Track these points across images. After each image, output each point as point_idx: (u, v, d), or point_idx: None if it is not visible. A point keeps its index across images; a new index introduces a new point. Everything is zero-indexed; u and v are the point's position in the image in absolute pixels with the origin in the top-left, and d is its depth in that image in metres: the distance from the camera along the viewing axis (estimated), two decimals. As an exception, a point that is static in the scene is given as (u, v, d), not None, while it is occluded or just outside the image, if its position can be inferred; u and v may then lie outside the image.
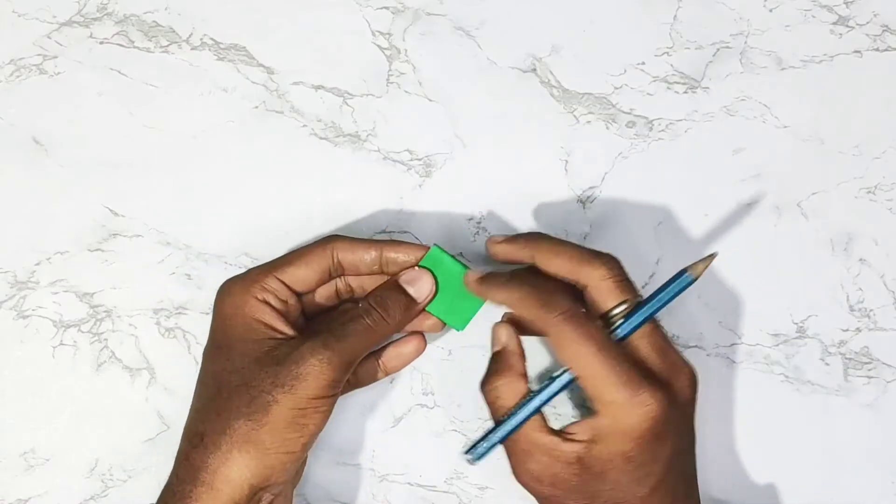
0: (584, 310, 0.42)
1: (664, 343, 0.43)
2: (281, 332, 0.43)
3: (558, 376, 0.43)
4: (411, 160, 0.51)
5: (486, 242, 0.46)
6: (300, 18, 0.51)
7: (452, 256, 0.46)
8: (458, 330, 0.46)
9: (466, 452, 0.44)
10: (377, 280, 0.46)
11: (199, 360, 0.50)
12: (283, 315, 0.43)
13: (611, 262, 0.43)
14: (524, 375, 0.44)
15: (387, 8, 0.51)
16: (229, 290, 0.44)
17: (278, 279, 0.44)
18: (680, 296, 0.49)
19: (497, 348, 0.45)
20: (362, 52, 0.51)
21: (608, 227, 0.51)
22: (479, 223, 0.51)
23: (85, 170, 0.51)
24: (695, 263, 0.43)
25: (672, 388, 0.41)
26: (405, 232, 0.51)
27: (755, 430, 0.51)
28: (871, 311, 0.51)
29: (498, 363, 0.45)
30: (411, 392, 0.51)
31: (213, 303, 0.45)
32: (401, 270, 0.45)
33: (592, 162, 0.51)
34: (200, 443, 0.41)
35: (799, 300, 0.51)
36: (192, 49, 0.51)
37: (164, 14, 0.51)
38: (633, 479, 0.41)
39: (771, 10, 0.52)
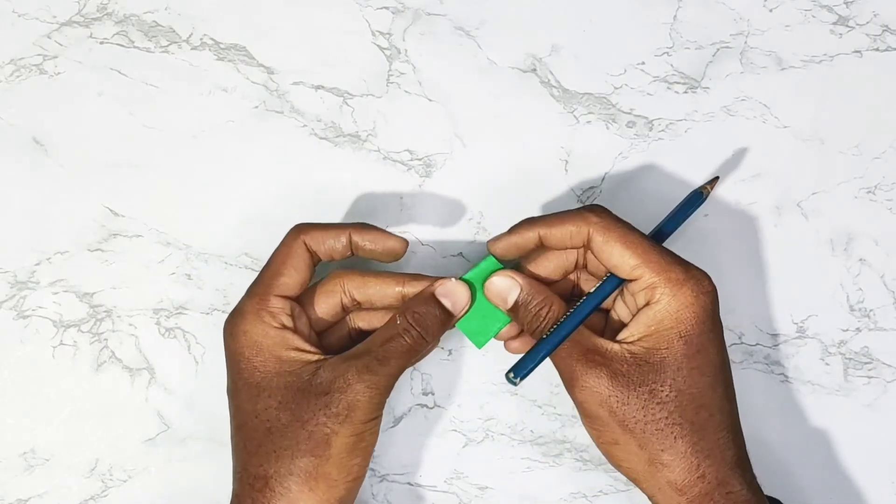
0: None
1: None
2: (310, 352, 0.42)
3: (596, 290, 0.43)
4: (411, 160, 0.51)
5: (487, 245, 0.45)
6: (300, 18, 0.51)
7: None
8: (477, 347, 0.45)
9: (509, 373, 0.42)
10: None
11: (199, 359, 0.50)
12: (301, 333, 0.43)
13: (600, 208, 0.43)
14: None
15: (387, 8, 0.51)
16: (241, 330, 0.42)
17: (278, 296, 0.43)
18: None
19: (516, 294, 0.43)
20: (362, 52, 0.51)
21: (608, 227, 0.51)
22: (479, 223, 0.51)
23: (85, 170, 0.51)
24: (704, 185, 0.46)
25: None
26: (405, 232, 0.51)
27: (755, 431, 0.51)
28: (871, 311, 0.51)
29: (533, 301, 0.43)
30: (411, 392, 0.51)
31: (224, 341, 0.43)
32: (371, 256, 0.44)
33: (592, 162, 0.51)
34: (266, 486, 0.40)
35: (799, 300, 0.51)
36: (192, 49, 0.51)
37: (164, 14, 0.51)
38: (694, 365, 0.40)
39: (771, 10, 0.52)
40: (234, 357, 0.42)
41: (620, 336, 0.42)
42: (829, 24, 0.52)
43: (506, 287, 0.43)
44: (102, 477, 0.50)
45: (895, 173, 0.51)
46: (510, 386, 0.48)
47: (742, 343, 0.51)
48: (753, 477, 0.42)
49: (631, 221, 0.50)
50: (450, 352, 0.51)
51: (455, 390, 0.51)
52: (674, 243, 0.51)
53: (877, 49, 0.52)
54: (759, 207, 0.51)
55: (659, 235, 0.45)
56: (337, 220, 0.51)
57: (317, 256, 0.44)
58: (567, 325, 0.42)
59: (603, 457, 0.44)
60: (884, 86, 0.52)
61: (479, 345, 0.45)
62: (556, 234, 0.43)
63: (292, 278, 0.43)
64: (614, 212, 0.50)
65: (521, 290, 0.43)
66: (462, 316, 0.44)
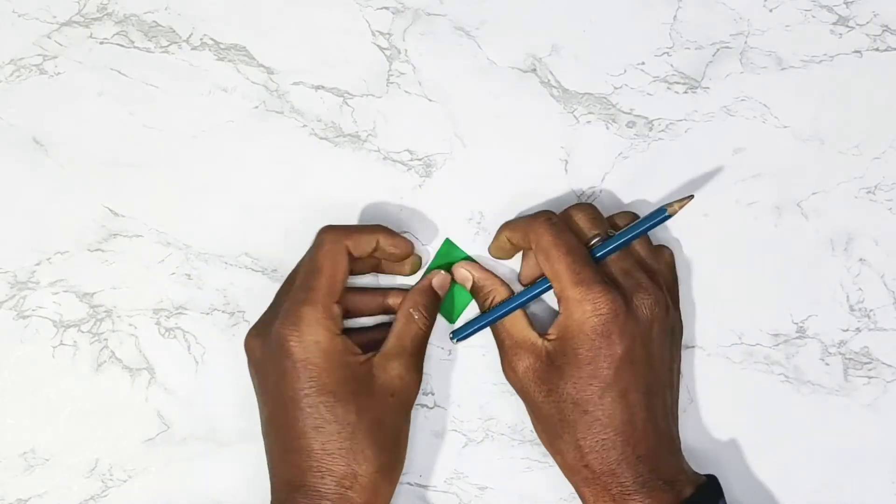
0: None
1: (632, 267, 0.47)
2: (358, 354, 0.45)
3: (534, 286, 0.48)
4: (411, 160, 0.51)
5: (489, 251, 0.50)
6: (300, 18, 0.51)
7: (459, 249, 0.50)
8: (450, 322, 0.50)
9: (451, 333, 0.50)
10: None
11: (199, 359, 0.50)
12: (347, 335, 0.46)
13: (583, 205, 0.48)
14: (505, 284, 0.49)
15: (387, 8, 0.51)
16: (311, 340, 0.44)
17: (336, 303, 0.45)
18: (679, 296, 0.49)
19: (470, 282, 0.49)
20: (362, 52, 0.51)
21: (608, 227, 0.51)
22: (479, 223, 0.51)
23: (85, 170, 0.51)
24: (672, 203, 0.47)
25: (630, 299, 0.45)
26: (405, 232, 0.51)
27: (755, 430, 0.51)
28: (871, 311, 0.51)
29: (485, 283, 0.49)
30: (411, 392, 0.51)
31: (278, 347, 0.44)
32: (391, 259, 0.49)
33: (592, 162, 0.51)
34: (355, 483, 0.43)
35: (799, 300, 0.51)
36: (192, 49, 0.51)
37: (164, 14, 0.51)
38: (585, 375, 0.44)
39: (771, 10, 0.52)
40: (302, 367, 0.44)
41: (549, 331, 0.46)
42: (829, 24, 0.52)
43: (463, 276, 0.50)
44: (102, 477, 0.50)
45: (895, 173, 0.51)
46: (510, 386, 0.49)
47: (742, 343, 0.51)
48: (652, 473, 0.44)
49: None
50: (450, 352, 0.51)
51: (455, 390, 0.51)
52: (674, 243, 0.51)
53: (877, 49, 0.52)
54: (759, 207, 0.51)
55: (607, 245, 0.46)
56: (337, 219, 0.51)
57: (352, 258, 0.46)
58: (505, 305, 0.48)
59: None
60: (884, 86, 0.52)
61: (452, 321, 0.50)
62: (515, 238, 0.48)
63: (342, 283, 0.45)
64: (614, 211, 0.51)
65: (473, 277, 0.49)
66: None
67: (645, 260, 0.47)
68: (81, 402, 0.50)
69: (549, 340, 0.46)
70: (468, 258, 0.50)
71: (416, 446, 0.50)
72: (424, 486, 0.50)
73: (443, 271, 0.49)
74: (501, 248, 0.49)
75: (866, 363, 0.51)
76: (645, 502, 0.43)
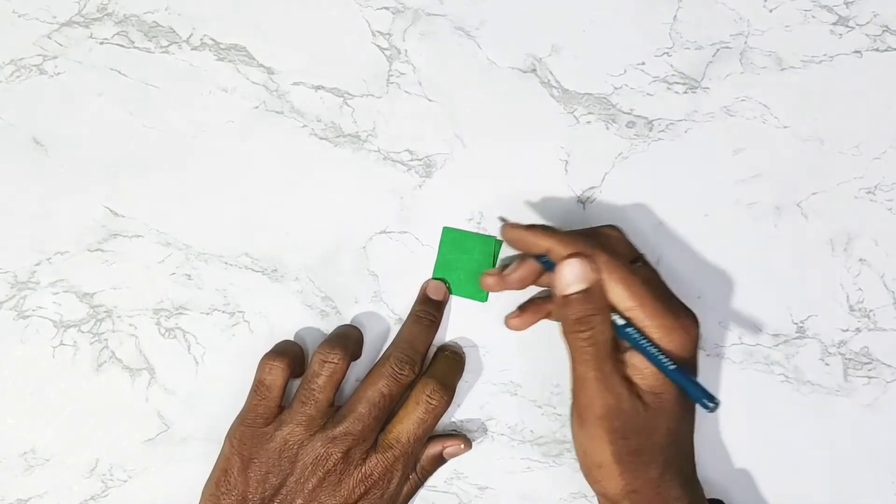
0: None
1: (674, 294, 0.46)
2: None
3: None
4: (411, 160, 0.51)
5: (503, 227, 0.47)
6: (300, 18, 0.51)
7: (465, 232, 0.50)
8: (482, 302, 0.50)
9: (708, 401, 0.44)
10: None
11: (199, 360, 0.50)
12: None
13: (613, 231, 0.47)
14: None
15: (387, 8, 0.51)
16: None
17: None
18: (680, 296, 0.50)
19: (585, 285, 0.43)
20: (362, 52, 0.51)
21: (608, 227, 0.51)
22: (479, 223, 0.51)
23: (85, 170, 0.51)
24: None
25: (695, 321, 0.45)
26: (405, 232, 0.51)
27: (755, 431, 0.51)
28: (871, 311, 0.51)
29: (594, 300, 0.43)
30: (411, 392, 0.51)
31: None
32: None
33: (592, 162, 0.51)
34: None
35: (799, 300, 0.51)
36: (192, 49, 0.51)
37: (164, 14, 0.51)
38: (682, 405, 0.43)
39: (771, 11, 0.52)
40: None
41: (634, 370, 0.44)
42: (828, 24, 0.52)
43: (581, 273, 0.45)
44: (102, 477, 0.50)
45: (895, 173, 0.51)
46: (510, 386, 0.50)
47: (742, 343, 0.51)
48: (699, 488, 0.46)
49: (631, 221, 0.51)
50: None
51: (455, 390, 0.51)
52: (673, 243, 0.51)
53: (877, 49, 0.52)
54: (759, 207, 0.51)
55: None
56: (337, 219, 0.51)
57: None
58: (639, 338, 0.44)
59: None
60: (884, 86, 0.52)
61: (484, 299, 0.50)
62: (564, 255, 0.44)
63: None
64: (614, 211, 0.51)
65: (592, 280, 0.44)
66: (447, 298, 0.50)
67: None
68: (81, 403, 0.50)
69: (636, 380, 0.44)
70: (479, 239, 0.50)
71: (416, 446, 0.50)
72: (424, 486, 0.50)
73: (434, 279, 0.50)
74: (527, 245, 0.46)
75: (866, 363, 0.51)
76: None
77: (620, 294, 0.43)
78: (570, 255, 0.43)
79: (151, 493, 0.50)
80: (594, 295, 0.43)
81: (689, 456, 0.46)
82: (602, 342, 0.43)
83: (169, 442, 0.50)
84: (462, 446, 0.49)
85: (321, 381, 0.46)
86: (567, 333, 0.44)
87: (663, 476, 0.44)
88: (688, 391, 0.43)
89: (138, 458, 0.50)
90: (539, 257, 0.46)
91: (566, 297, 0.43)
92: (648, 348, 0.43)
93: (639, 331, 0.43)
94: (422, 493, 0.50)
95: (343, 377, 0.47)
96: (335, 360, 0.46)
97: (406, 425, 0.46)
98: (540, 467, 0.51)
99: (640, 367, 0.43)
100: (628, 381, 0.43)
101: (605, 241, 0.46)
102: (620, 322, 0.44)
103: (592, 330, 0.43)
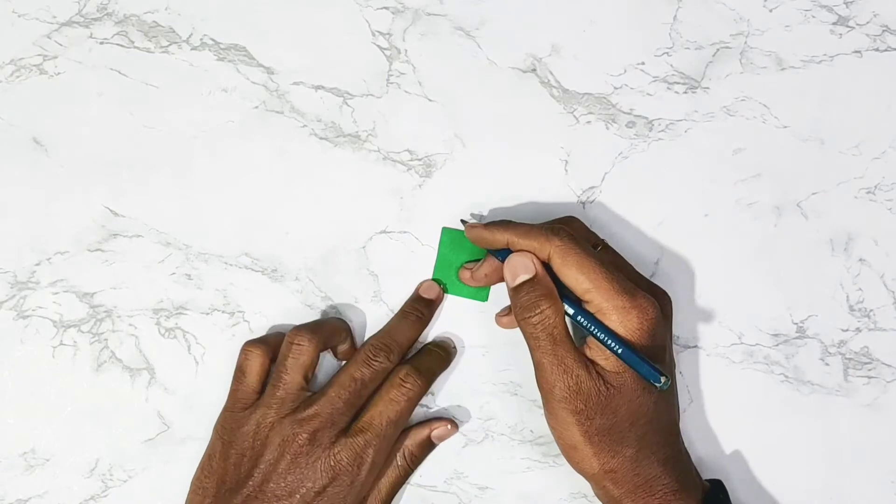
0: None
1: (638, 272, 0.48)
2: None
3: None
4: (411, 160, 0.51)
5: (464, 226, 0.48)
6: (300, 18, 0.51)
7: (462, 231, 0.49)
8: (482, 301, 0.50)
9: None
10: None
11: (199, 360, 0.50)
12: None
13: (572, 221, 0.48)
14: (560, 301, 0.45)
15: (387, 8, 0.51)
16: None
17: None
18: (680, 296, 0.50)
19: (527, 276, 0.45)
20: (362, 52, 0.51)
21: (608, 227, 0.51)
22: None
23: (85, 170, 0.51)
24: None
25: (658, 302, 0.45)
26: (405, 232, 0.51)
27: (755, 430, 0.51)
28: (871, 311, 0.51)
29: (538, 289, 0.45)
30: (411, 392, 0.51)
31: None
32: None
33: (592, 162, 0.51)
34: None
35: (799, 300, 0.51)
36: (192, 49, 0.51)
37: (164, 14, 0.51)
38: (644, 385, 0.44)
39: (771, 11, 0.52)
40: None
41: (590, 355, 0.45)
42: (828, 24, 0.52)
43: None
44: (103, 477, 0.50)
45: (895, 173, 0.51)
46: (510, 386, 0.50)
47: (742, 343, 0.51)
48: (686, 468, 0.46)
49: (631, 222, 0.51)
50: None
51: (455, 390, 0.51)
52: (673, 243, 0.51)
53: (877, 49, 0.52)
54: (759, 207, 0.51)
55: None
56: (336, 219, 0.51)
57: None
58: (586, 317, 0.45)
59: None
60: (884, 86, 0.52)
61: (484, 299, 0.50)
62: (522, 244, 0.45)
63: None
64: (614, 211, 0.51)
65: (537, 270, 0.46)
66: (441, 298, 0.50)
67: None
68: (81, 402, 0.50)
69: (599, 363, 0.44)
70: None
71: (416, 446, 0.50)
72: (424, 486, 0.50)
73: (432, 280, 0.50)
74: (487, 242, 0.47)
75: (866, 363, 0.51)
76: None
77: (575, 277, 0.44)
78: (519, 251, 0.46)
79: (151, 493, 0.50)
80: (539, 282, 0.45)
81: (668, 434, 0.46)
82: (551, 326, 0.44)
83: (169, 442, 0.50)
84: (449, 427, 0.50)
85: (288, 364, 0.46)
86: (519, 321, 0.45)
87: (640, 454, 0.44)
88: (638, 371, 0.43)
89: (138, 458, 0.50)
90: (497, 253, 0.47)
91: (514, 287, 0.45)
92: (597, 333, 0.44)
93: (591, 315, 0.44)
94: (421, 492, 0.50)
95: (312, 360, 0.47)
96: (302, 342, 0.46)
97: (378, 407, 0.46)
98: (540, 467, 0.51)
99: (602, 349, 0.44)
100: (589, 363, 0.44)
101: (558, 230, 0.46)
102: (570, 311, 0.45)
103: (540, 315, 0.44)
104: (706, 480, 0.48)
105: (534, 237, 0.45)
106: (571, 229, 0.46)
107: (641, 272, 0.50)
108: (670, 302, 0.48)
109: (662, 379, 0.43)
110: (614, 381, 0.44)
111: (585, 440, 0.44)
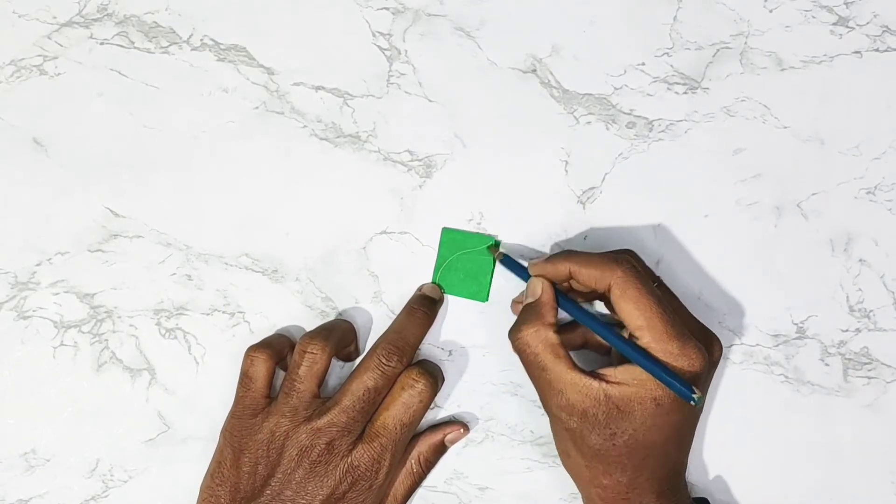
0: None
1: (692, 315, 0.48)
2: None
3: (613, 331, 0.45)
4: (411, 160, 0.51)
5: (529, 265, 0.48)
6: (300, 19, 0.51)
7: (465, 232, 0.50)
8: (483, 302, 0.50)
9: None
10: None
11: (199, 360, 0.50)
12: None
13: (630, 251, 0.48)
14: (553, 325, 0.45)
15: (387, 8, 0.51)
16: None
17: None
18: (680, 297, 0.50)
19: (531, 300, 0.46)
20: (362, 52, 0.51)
21: (608, 227, 0.51)
22: (479, 223, 0.51)
23: (85, 170, 0.51)
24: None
25: (707, 349, 0.44)
26: (405, 232, 0.51)
27: (755, 431, 0.51)
28: (870, 311, 0.51)
29: (529, 313, 0.46)
30: (411, 392, 0.51)
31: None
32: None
33: (592, 162, 0.51)
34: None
35: (799, 300, 0.51)
36: (192, 50, 0.51)
37: (165, 15, 0.51)
38: (656, 423, 0.43)
39: (771, 11, 0.52)
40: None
41: (605, 371, 0.44)
42: (828, 24, 0.52)
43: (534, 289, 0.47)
44: (103, 477, 0.50)
45: (895, 173, 0.51)
46: (510, 386, 0.50)
47: (742, 343, 0.51)
48: (680, 499, 0.46)
49: (631, 222, 0.51)
50: (450, 352, 0.51)
51: (455, 390, 0.51)
52: (673, 243, 0.51)
53: (877, 50, 0.52)
54: (759, 208, 0.51)
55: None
56: (336, 219, 0.51)
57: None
58: (597, 324, 0.45)
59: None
60: (884, 86, 0.52)
61: (484, 299, 0.50)
62: (583, 273, 0.45)
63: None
64: (614, 211, 0.51)
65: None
66: (441, 298, 0.50)
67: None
68: (82, 403, 0.50)
69: (609, 383, 0.44)
70: (479, 239, 0.50)
71: (416, 446, 0.50)
72: (425, 486, 0.50)
73: (431, 284, 0.50)
74: (553, 276, 0.47)
75: (866, 363, 0.51)
76: None
77: (631, 312, 0.43)
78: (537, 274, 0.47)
79: (152, 494, 0.50)
80: (532, 308, 0.46)
81: (671, 473, 0.45)
82: (531, 350, 0.45)
83: (169, 442, 0.50)
84: (462, 431, 0.50)
85: (301, 372, 0.46)
86: (509, 337, 0.46)
87: (634, 482, 0.44)
88: (669, 387, 0.43)
89: (139, 458, 0.50)
90: (517, 270, 0.48)
91: (521, 305, 0.47)
92: (624, 349, 0.43)
93: (621, 337, 0.44)
94: (421, 492, 0.51)
95: (325, 368, 0.47)
96: (315, 351, 0.46)
97: (391, 411, 0.46)
98: (540, 467, 0.51)
99: (615, 376, 0.44)
100: (592, 383, 0.43)
101: (622, 260, 0.45)
102: (597, 327, 0.45)
103: (518, 341, 0.45)
104: (693, 499, 0.48)
105: (596, 266, 0.45)
106: (633, 261, 0.46)
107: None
108: (721, 349, 0.47)
109: (695, 396, 0.42)
110: (623, 407, 0.43)
111: (578, 453, 0.45)
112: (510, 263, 0.49)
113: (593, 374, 0.44)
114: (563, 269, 0.46)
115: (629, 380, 0.43)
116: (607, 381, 0.43)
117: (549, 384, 0.44)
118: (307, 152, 0.51)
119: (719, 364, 0.50)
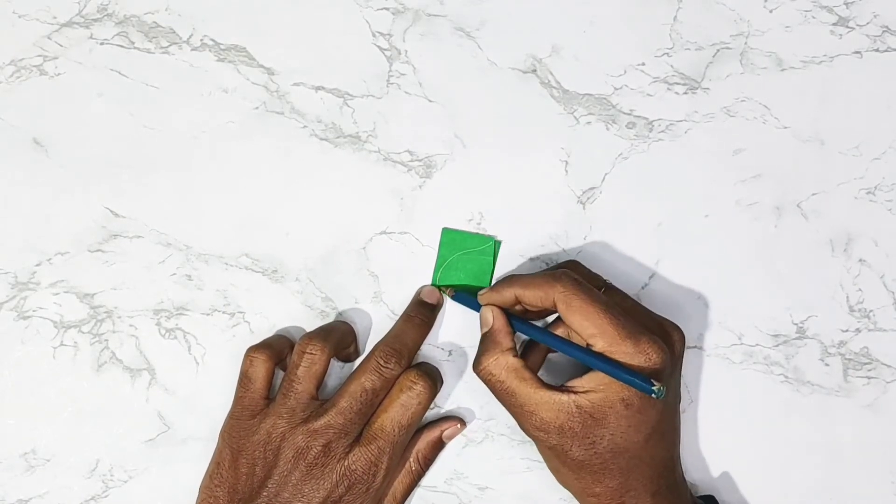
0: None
1: (634, 303, 0.48)
2: None
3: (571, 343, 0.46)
4: (411, 161, 0.51)
5: (477, 296, 0.48)
6: (300, 19, 0.51)
7: (465, 232, 0.50)
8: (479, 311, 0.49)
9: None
10: None
11: (199, 360, 0.50)
12: None
13: (574, 262, 0.49)
14: (512, 349, 0.46)
15: (387, 9, 0.51)
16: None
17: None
18: (680, 297, 0.50)
19: (485, 329, 0.47)
20: (362, 52, 0.51)
21: (608, 228, 0.51)
22: (479, 223, 0.51)
23: (85, 170, 0.51)
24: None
25: (666, 342, 0.45)
26: (405, 232, 0.51)
27: (755, 431, 0.51)
28: (870, 311, 0.51)
29: (486, 343, 0.47)
30: (411, 392, 0.51)
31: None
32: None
33: (592, 162, 0.51)
34: None
35: (799, 300, 0.51)
36: (192, 50, 0.51)
37: (165, 15, 0.51)
38: (631, 424, 0.44)
39: (771, 11, 0.52)
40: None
41: (571, 383, 0.44)
42: (829, 24, 0.52)
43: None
44: (103, 477, 0.50)
45: (895, 174, 0.51)
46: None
47: (742, 343, 0.51)
48: (679, 499, 0.46)
49: (631, 222, 0.51)
50: (450, 352, 0.51)
51: (455, 390, 0.51)
52: (673, 243, 0.51)
53: (877, 50, 0.52)
54: (759, 208, 0.51)
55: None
56: (336, 219, 0.51)
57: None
58: (556, 339, 0.46)
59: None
60: (884, 86, 0.52)
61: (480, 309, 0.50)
62: (528, 296, 0.46)
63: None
64: (614, 212, 0.51)
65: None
66: (441, 303, 0.51)
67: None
68: (82, 403, 0.50)
69: (576, 393, 0.44)
70: (477, 239, 0.50)
71: (416, 447, 0.50)
72: (425, 486, 0.50)
73: (431, 286, 0.50)
74: (501, 303, 0.47)
75: (866, 363, 0.51)
76: None
77: (580, 323, 0.44)
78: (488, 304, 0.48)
79: (152, 494, 0.50)
80: (486, 338, 0.47)
81: (661, 468, 0.45)
82: (497, 378, 0.45)
83: (169, 442, 0.50)
84: (459, 426, 0.50)
85: (300, 373, 0.46)
86: (474, 370, 0.47)
87: (625, 485, 0.44)
88: (629, 384, 0.43)
89: (139, 458, 0.50)
90: (469, 303, 0.49)
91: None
92: (580, 356, 0.44)
93: (575, 345, 0.45)
94: (421, 492, 0.51)
95: (324, 369, 0.47)
96: (314, 352, 0.46)
97: (390, 413, 0.46)
98: (540, 467, 0.51)
99: (582, 386, 0.44)
100: (563, 399, 0.44)
101: (560, 275, 0.46)
102: (548, 341, 0.46)
103: (483, 370, 0.46)
104: (698, 497, 0.48)
105: (537, 286, 0.45)
106: (577, 270, 0.46)
107: (642, 272, 0.50)
108: (682, 338, 0.47)
109: (654, 388, 0.42)
110: (596, 414, 0.43)
111: (565, 468, 0.45)
112: (462, 298, 0.49)
113: (561, 389, 0.44)
114: (508, 294, 0.47)
115: (596, 386, 0.44)
116: (576, 393, 0.44)
117: (521, 407, 0.45)
118: (307, 152, 0.51)
119: (720, 364, 0.50)
